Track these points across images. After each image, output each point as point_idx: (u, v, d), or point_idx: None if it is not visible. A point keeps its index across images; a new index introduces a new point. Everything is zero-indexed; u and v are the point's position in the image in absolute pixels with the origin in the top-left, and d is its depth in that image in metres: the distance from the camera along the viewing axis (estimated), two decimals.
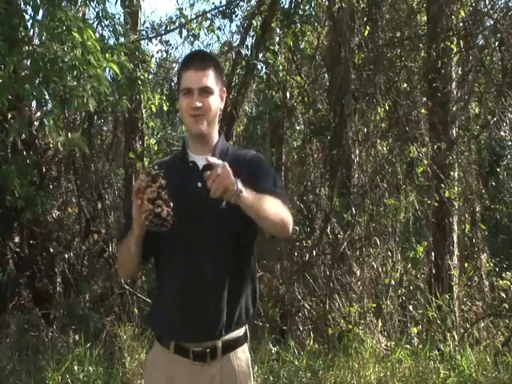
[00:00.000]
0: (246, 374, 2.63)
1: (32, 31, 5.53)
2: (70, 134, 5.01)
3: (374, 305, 6.55)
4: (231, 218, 2.52)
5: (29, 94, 4.69)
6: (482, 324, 6.60)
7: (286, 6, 7.45)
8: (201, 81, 2.58)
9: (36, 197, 6.21)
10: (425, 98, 7.36)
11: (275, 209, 2.48)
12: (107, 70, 4.83)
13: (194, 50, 7.96)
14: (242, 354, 2.64)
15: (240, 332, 2.63)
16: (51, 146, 7.21)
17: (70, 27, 4.51)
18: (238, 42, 7.82)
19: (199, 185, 2.56)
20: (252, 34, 7.61)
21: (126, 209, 2.84)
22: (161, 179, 2.39)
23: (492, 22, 7.19)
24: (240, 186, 2.37)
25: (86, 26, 4.67)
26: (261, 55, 7.56)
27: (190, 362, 2.56)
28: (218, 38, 7.93)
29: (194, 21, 7.56)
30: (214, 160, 2.40)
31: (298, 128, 8.85)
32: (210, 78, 2.60)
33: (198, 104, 2.56)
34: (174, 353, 2.59)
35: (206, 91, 2.58)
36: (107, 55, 4.89)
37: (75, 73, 4.54)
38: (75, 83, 4.61)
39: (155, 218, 2.37)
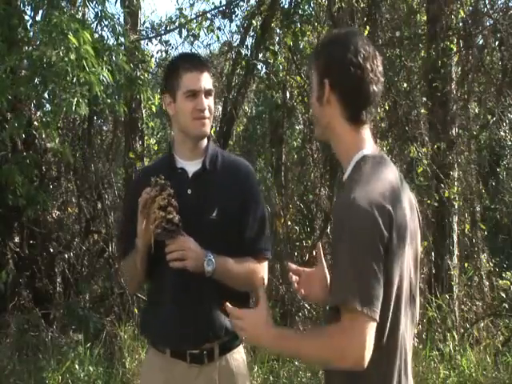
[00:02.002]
0: (243, 375, 2.64)
1: (32, 32, 5.53)
2: (57, 141, 5.01)
3: None
4: (220, 227, 2.54)
5: (26, 95, 4.70)
6: (482, 324, 6.59)
7: (286, 6, 7.45)
8: (206, 83, 2.58)
9: (37, 196, 6.21)
10: (424, 98, 7.36)
11: (246, 279, 2.56)
12: (104, 73, 4.81)
13: (188, 50, 7.96)
14: (238, 354, 2.64)
15: (236, 333, 2.62)
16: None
17: (65, 31, 4.49)
18: (237, 42, 7.82)
19: (189, 191, 2.57)
20: (252, 34, 7.61)
21: (126, 225, 2.82)
22: (169, 188, 2.42)
23: (492, 22, 7.18)
24: (211, 268, 2.47)
25: (85, 27, 4.66)
26: (261, 55, 7.56)
27: (186, 365, 2.56)
28: (218, 37, 7.93)
29: (194, 21, 7.55)
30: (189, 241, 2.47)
31: (298, 128, 8.85)
32: (210, 80, 2.61)
33: (206, 106, 2.55)
34: (170, 356, 2.59)
35: (209, 93, 2.59)
36: (105, 58, 4.89)
37: (69, 78, 4.53)
38: (64, 88, 4.60)
39: (168, 224, 2.41)
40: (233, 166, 2.66)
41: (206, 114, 2.56)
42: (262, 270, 2.63)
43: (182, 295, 2.55)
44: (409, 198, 2.02)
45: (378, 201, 1.84)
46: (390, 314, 1.86)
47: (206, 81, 2.58)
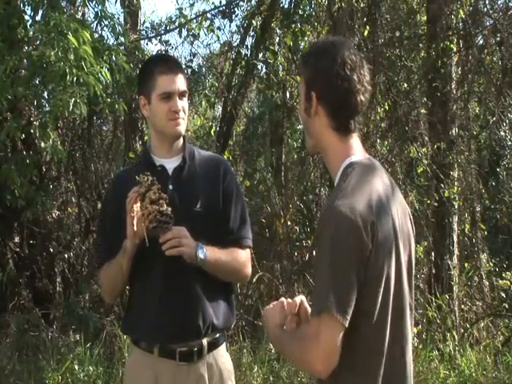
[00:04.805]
0: (229, 371, 2.71)
1: (32, 32, 5.53)
2: (51, 141, 5.02)
3: None
4: (205, 219, 2.62)
5: (24, 96, 4.69)
6: (482, 324, 6.60)
7: (286, 6, 7.45)
8: (181, 85, 2.64)
9: (36, 196, 6.21)
10: (424, 98, 7.36)
11: (233, 267, 2.65)
12: (102, 72, 4.80)
13: (188, 50, 7.99)
14: (224, 352, 2.72)
15: (221, 330, 2.69)
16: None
17: (64, 31, 4.49)
18: (237, 41, 7.82)
19: (170, 187, 2.63)
20: (252, 34, 7.61)
21: (103, 234, 2.83)
22: (156, 182, 2.49)
23: (492, 22, 7.18)
24: (203, 255, 2.53)
25: (84, 27, 4.66)
26: (261, 55, 7.55)
27: (175, 363, 2.58)
28: (218, 37, 7.92)
29: (194, 21, 7.54)
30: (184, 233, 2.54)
31: (298, 128, 8.84)
32: (185, 82, 2.68)
33: (180, 108, 2.62)
34: (158, 356, 2.60)
35: (183, 95, 2.66)
36: (104, 57, 4.88)
37: (69, 78, 4.52)
38: (61, 89, 4.59)
39: (162, 216, 2.47)
40: (211, 160, 2.78)
41: (181, 114, 2.63)
42: (247, 257, 2.71)
43: (170, 292, 2.58)
44: (400, 205, 2.02)
45: (362, 211, 1.84)
46: (374, 322, 1.86)
47: (181, 83, 2.64)
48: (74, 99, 4.49)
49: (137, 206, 2.48)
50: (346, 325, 1.79)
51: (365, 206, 1.85)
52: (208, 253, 2.55)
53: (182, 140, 2.72)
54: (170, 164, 2.68)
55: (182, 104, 2.64)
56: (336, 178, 1.96)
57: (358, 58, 1.96)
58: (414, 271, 2.04)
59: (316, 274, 1.89)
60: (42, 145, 5.17)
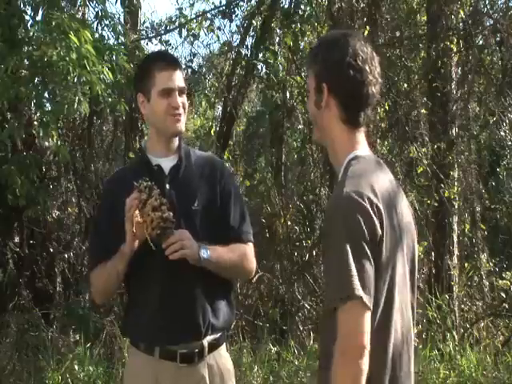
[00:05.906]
0: (230, 372, 2.70)
1: (32, 32, 5.52)
2: (54, 139, 5.02)
3: None
4: (203, 217, 2.61)
5: (26, 96, 4.69)
6: (482, 324, 6.60)
7: (286, 6, 7.45)
8: (180, 81, 2.64)
9: (37, 196, 6.21)
10: (425, 98, 7.37)
11: (236, 263, 2.65)
12: (104, 71, 4.80)
13: (188, 50, 7.98)
14: (224, 352, 2.70)
15: (221, 331, 2.68)
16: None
17: (66, 31, 4.49)
18: (237, 42, 7.82)
19: (167, 186, 2.61)
20: (252, 34, 7.61)
21: (98, 235, 2.78)
22: (155, 188, 2.46)
23: (492, 22, 7.19)
24: (206, 255, 2.52)
25: (85, 26, 4.66)
26: (261, 55, 7.55)
27: (176, 365, 2.57)
28: (218, 37, 7.94)
29: (194, 21, 7.55)
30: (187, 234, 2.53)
31: (298, 127, 8.84)
32: (183, 79, 2.68)
33: (180, 104, 2.61)
34: (159, 358, 2.59)
35: (182, 91, 2.64)
36: (105, 57, 4.88)
37: (70, 77, 4.53)
38: (64, 87, 4.60)
39: (165, 222, 2.44)
40: (207, 159, 2.77)
41: (181, 111, 2.61)
42: (250, 252, 2.71)
43: (169, 293, 2.57)
44: (406, 204, 2.02)
45: (368, 195, 1.84)
46: (381, 307, 1.85)
47: (180, 79, 2.64)
48: (77, 98, 4.49)
49: (136, 213, 2.46)
50: (371, 307, 1.78)
51: (370, 191, 1.86)
52: (211, 252, 2.54)
53: (177, 140, 2.70)
54: (167, 163, 2.66)
55: (182, 100, 2.62)
56: (340, 171, 1.96)
57: (369, 49, 1.96)
58: (416, 273, 2.04)
59: (329, 262, 1.85)
60: (46, 144, 5.16)
